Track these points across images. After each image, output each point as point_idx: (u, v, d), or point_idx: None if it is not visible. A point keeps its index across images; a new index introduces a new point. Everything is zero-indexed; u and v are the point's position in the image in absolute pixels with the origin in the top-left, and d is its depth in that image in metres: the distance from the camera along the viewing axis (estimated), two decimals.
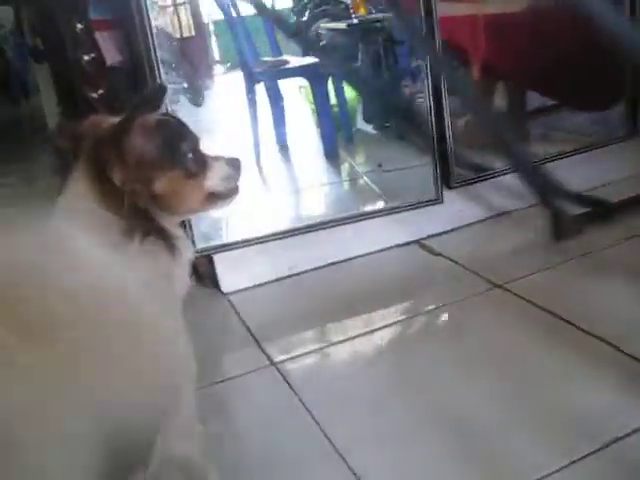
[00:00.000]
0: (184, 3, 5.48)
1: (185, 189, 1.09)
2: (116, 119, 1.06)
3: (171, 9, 5.38)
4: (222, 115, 4.33)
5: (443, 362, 1.68)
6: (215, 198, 1.15)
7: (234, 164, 1.18)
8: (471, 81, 2.18)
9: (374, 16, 3.41)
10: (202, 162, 1.12)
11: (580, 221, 2.19)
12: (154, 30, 1.92)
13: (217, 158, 1.16)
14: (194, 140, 1.12)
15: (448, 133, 2.23)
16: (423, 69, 2.17)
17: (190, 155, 1.09)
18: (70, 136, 1.09)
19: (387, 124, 3.44)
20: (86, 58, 2.44)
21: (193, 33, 5.46)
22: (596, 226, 2.22)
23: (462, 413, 1.47)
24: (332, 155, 3.27)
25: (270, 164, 3.34)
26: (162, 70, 1.95)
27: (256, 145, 3.34)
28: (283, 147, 3.44)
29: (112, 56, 2.36)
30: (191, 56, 5.06)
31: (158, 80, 1.95)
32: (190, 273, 1.15)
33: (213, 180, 1.13)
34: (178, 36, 5.21)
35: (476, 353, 1.70)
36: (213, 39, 6.01)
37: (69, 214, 1.03)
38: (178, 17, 5.49)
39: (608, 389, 1.47)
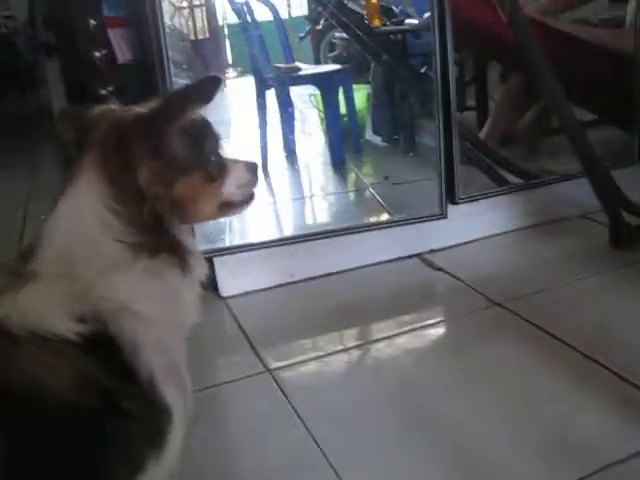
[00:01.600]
0: (200, 5, 5.52)
1: (203, 194, 0.99)
2: (143, 108, 0.95)
3: (187, 11, 5.42)
4: (232, 118, 4.35)
5: (437, 377, 1.68)
6: (230, 205, 1.05)
7: (252, 169, 1.08)
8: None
9: (387, 28, 3.40)
10: (222, 165, 1.02)
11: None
12: (167, 30, 1.90)
13: (236, 162, 1.05)
14: (217, 140, 1.02)
15: (455, 148, 2.22)
16: (435, 85, 2.17)
17: (212, 157, 1.00)
18: (76, 125, 0.97)
19: (396, 137, 3.44)
20: (97, 54, 2.45)
21: (207, 35, 5.50)
22: None
23: (456, 430, 1.46)
24: (339, 164, 3.27)
25: (277, 170, 3.34)
26: (172, 70, 1.93)
27: (263, 150, 3.34)
28: (291, 154, 3.43)
29: (124, 54, 2.36)
30: (204, 57, 5.09)
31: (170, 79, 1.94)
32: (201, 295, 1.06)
33: (231, 187, 1.03)
34: (192, 38, 5.25)
35: (469, 371, 1.69)
36: (227, 42, 6.06)
37: (71, 221, 0.91)
38: (193, 19, 5.53)
39: (603, 414, 1.46)
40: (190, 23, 5.39)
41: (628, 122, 2.59)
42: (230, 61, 6.00)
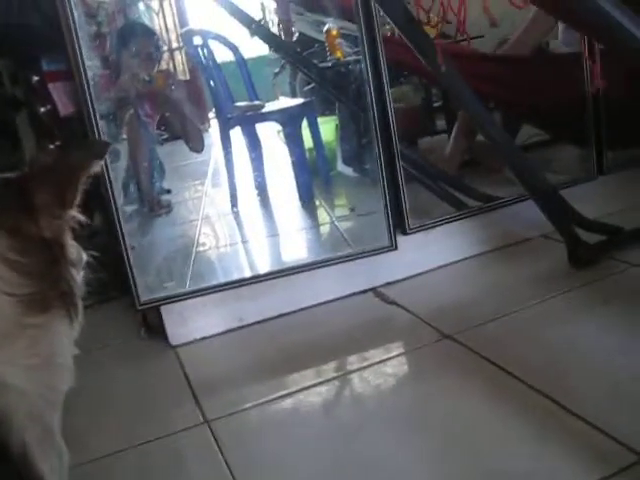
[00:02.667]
0: (179, 48, 5.55)
1: None
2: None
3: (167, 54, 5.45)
4: (213, 157, 4.36)
5: (379, 419, 1.61)
6: None
7: None
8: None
9: (345, 59, 3.38)
10: None
11: (597, 249, 2.17)
12: (90, 82, 1.89)
13: None
14: None
15: (400, 177, 2.18)
16: (370, 116, 2.13)
17: None
18: None
19: (366, 167, 3.39)
20: (42, 110, 2.45)
21: (188, 77, 5.52)
22: (610, 254, 2.18)
23: (397, 477, 1.39)
24: (307, 199, 3.23)
25: (245, 209, 3.31)
26: (100, 122, 1.91)
27: (232, 189, 3.32)
28: (260, 192, 3.41)
29: (66, 107, 2.36)
30: (186, 99, 5.09)
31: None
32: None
33: None
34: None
35: (413, 409, 1.63)
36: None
37: None
38: (174, 62, 5.56)
39: (553, 452, 1.37)
40: (171, 65, 5.43)
41: (582, 138, 2.52)
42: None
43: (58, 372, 0.99)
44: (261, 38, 2.89)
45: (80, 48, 1.88)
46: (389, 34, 2.25)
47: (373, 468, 1.43)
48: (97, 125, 1.91)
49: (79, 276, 1.04)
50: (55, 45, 2.16)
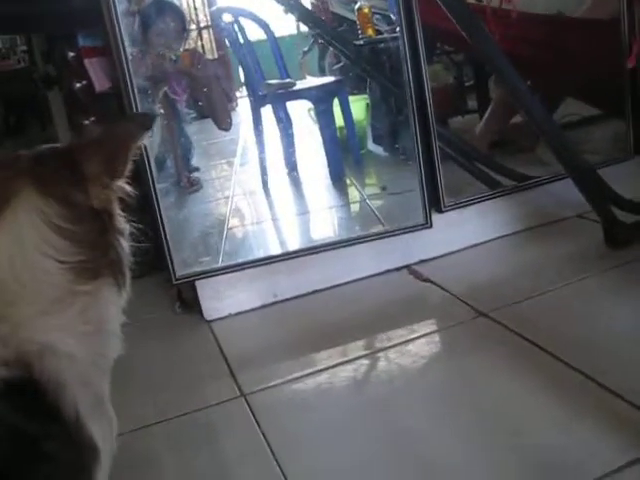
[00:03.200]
0: (207, 27, 5.54)
1: None
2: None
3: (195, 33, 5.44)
4: (242, 135, 4.36)
5: (417, 396, 1.61)
6: None
7: None
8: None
9: (378, 37, 3.36)
10: None
11: (634, 229, 2.15)
12: (129, 57, 1.90)
13: None
14: None
15: (436, 155, 2.17)
16: (407, 93, 2.12)
17: None
18: None
19: (397, 146, 3.38)
20: (78, 85, 2.46)
21: (216, 56, 5.51)
22: None
23: (429, 452, 1.40)
24: (338, 178, 3.23)
25: (276, 187, 3.32)
26: (138, 98, 1.93)
27: (262, 167, 3.33)
28: (291, 170, 3.41)
29: (101, 83, 2.36)
30: (214, 77, 5.09)
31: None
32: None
33: None
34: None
35: (447, 386, 1.63)
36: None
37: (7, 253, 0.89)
38: (201, 40, 5.55)
39: (588, 427, 1.37)
40: (199, 44, 5.42)
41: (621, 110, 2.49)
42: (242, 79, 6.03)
43: (108, 339, 1.00)
44: (296, 15, 2.87)
45: (119, 23, 1.88)
46: None
47: (406, 442, 1.44)
48: (135, 100, 1.93)
49: (126, 245, 1.06)
50: (92, 21, 2.17)
